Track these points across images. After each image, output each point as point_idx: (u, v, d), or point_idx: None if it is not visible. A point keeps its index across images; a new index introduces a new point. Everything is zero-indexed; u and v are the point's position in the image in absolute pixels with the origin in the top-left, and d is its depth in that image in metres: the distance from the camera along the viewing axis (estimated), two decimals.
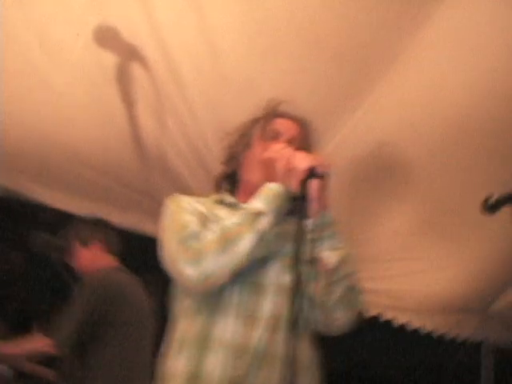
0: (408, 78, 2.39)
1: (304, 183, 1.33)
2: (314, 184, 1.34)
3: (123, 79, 2.28)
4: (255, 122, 1.64)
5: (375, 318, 3.62)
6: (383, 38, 2.22)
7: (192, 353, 1.34)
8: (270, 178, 1.41)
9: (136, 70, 2.26)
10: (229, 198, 1.58)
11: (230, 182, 1.64)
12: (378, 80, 2.40)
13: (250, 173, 1.56)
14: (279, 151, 1.43)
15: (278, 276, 1.41)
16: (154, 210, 2.89)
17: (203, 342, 1.34)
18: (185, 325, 1.41)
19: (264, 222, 1.34)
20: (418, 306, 3.64)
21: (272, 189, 1.39)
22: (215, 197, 1.60)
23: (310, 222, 1.35)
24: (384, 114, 2.55)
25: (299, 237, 1.33)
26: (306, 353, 1.41)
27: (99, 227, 2.82)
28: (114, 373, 2.43)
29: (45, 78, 2.29)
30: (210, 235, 1.33)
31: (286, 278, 1.38)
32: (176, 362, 1.37)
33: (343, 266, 1.39)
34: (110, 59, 2.21)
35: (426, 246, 3.23)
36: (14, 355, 2.57)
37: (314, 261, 1.36)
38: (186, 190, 2.81)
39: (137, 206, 3.03)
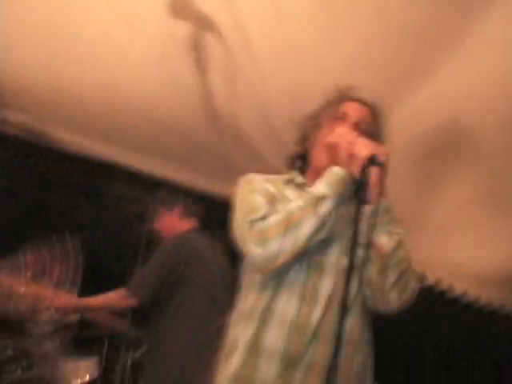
0: (476, 54, 2.34)
1: (364, 170, 1.37)
2: (373, 171, 1.37)
3: (197, 48, 2.36)
4: (326, 104, 1.68)
5: (431, 288, 3.67)
6: (453, 13, 2.16)
7: (254, 326, 1.44)
8: (334, 161, 1.46)
9: (209, 39, 2.33)
10: (298, 179, 1.63)
11: (302, 162, 1.69)
12: (446, 56, 2.36)
13: (318, 155, 1.60)
14: (343, 136, 1.46)
15: (337, 257, 1.48)
16: (225, 172, 3.06)
17: (266, 317, 1.43)
18: (251, 298, 1.50)
19: (326, 206, 1.40)
20: (473, 278, 3.66)
21: (335, 173, 1.44)
22: (286, 176, 1.65)
23: (368, 208, 1.41)
24: (451, 90, 2.52)
25: (357, 221, 1.40)
26: (360, 331, 1.48)
27: (181, 192, 2.96)
28: (184, 331, 2.53)
29: (119, 45, 2.40)
30: (276, 218, 1.40)
31: (345, 260, 1.45)
32: (239, 333, 1.47)
33: (398, 252, 1.43)
34: (183, 29, 2.28)
35: (485, 220, 3.22)
36: (91, 308, 2.75)
37: (370, 245, 1.42)
38: (257, 155, 2.92)
39: (206, 168, 3.16)
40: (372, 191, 1.40)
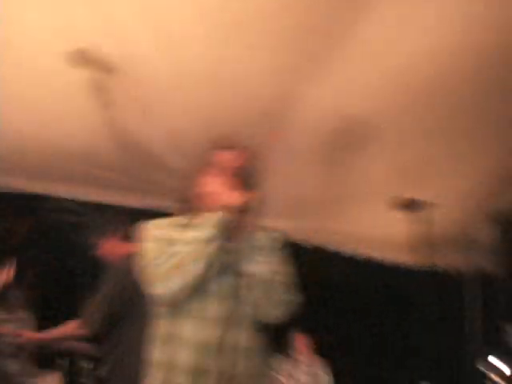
0: (367, 47, 2.50)
1: (238, 214, 1.75)
2: (246, 215, 1.74)
3: (97, 88, 2.56)
4: (208, 153, 1.92)
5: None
6: (339, 9, 2.32)
7: (167, 349, 1.76)
8: (214, 207, 1.77)
9: (108, 79, 2.53)
10: (190, 222, 1.85)
11: (193, 205, 1.92)
12: (338, 50, 2.50)
13: (201, 200, 1.87)
14: (219, 185, 1.79)
15: (226, 286, 1.79)
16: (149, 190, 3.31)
17: (172, 339, 1.76)
18: (162, 325, 1.81)
19: (212, 247, 1.72)
20: (388, 241, 3.97)
21: (216, 218, 1.75)
22: (180, 219, 1.89)
23: (243, 243, 1.77)
24: (347, 83, 2.73)
25: (236, 254, 1.79)
26: (253, 341, 1.81)
27: (121, 217, 3.09)
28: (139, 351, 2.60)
29: (33, 100, 2.66)
30: (171, 262, 1.70)
31: (227, 286, 1.79)
32: (157, 355, 1.79)
33: (271, 276, 1.76)
34: (81, 74, 2.49)
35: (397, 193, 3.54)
36: (50, 341, 2.92)
37: (247, 272, 1.76)
38: (170, 172, 3.17)
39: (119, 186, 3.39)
40: (245, 229, 1.77)
